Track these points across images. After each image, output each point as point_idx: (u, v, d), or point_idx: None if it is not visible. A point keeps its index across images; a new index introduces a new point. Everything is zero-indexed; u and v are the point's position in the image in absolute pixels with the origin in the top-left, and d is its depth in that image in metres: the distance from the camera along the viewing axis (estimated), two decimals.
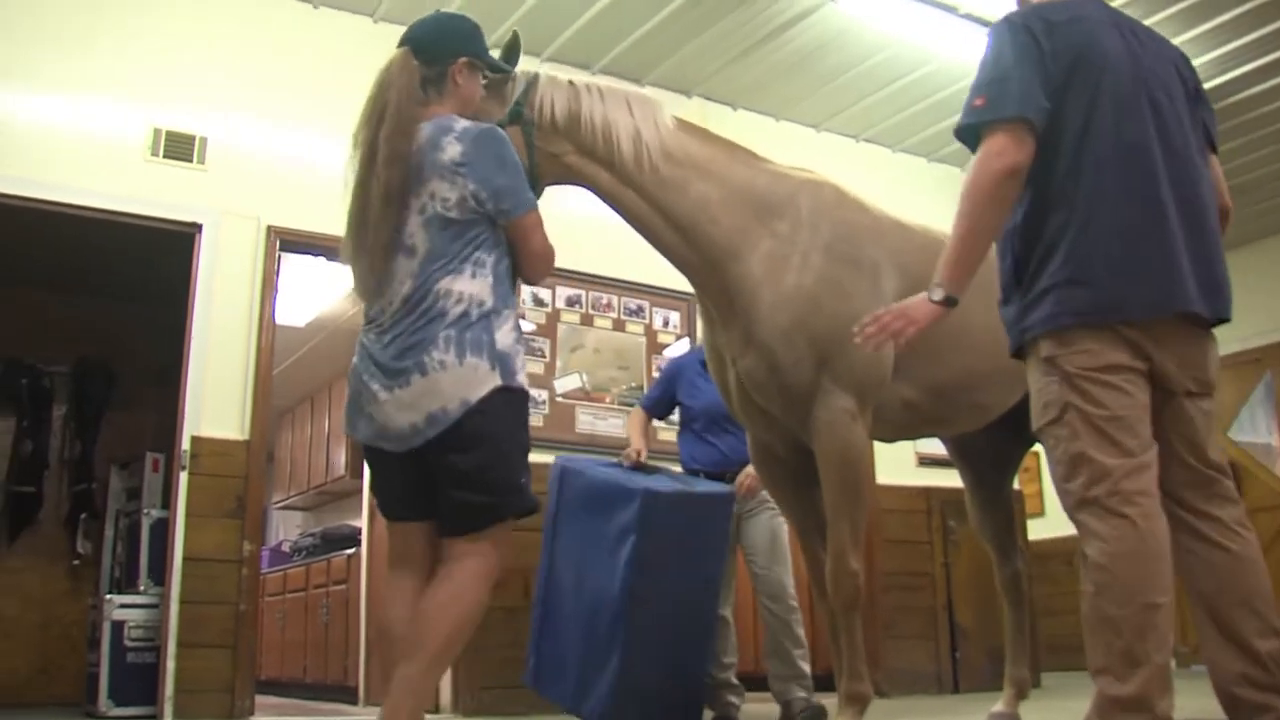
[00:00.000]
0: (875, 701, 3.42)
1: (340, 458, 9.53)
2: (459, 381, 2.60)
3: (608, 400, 6.44)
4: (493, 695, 5.49)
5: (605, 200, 3.45)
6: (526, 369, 2.80)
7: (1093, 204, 2.40)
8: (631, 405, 6.36)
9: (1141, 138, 2.44)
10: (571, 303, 6.48)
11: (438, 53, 2.87)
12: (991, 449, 4.18)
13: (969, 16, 6.18)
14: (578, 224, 4.91)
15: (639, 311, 6.70)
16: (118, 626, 5.49)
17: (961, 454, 4.30)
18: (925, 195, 6.92)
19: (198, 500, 5.22)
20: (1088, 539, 2.29)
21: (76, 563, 7.54)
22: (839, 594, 3.32)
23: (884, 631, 6.72)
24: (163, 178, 5.47)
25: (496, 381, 2.63)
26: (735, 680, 4.75)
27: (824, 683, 4.42)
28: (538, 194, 3.13)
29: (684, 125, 3.53)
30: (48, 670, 7.32)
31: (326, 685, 7.99)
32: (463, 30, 2.98)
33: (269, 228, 5.64)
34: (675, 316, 6.77)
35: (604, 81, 3.54)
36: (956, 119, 2.52)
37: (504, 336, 2.68)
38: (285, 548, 10.45)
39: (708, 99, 7.21)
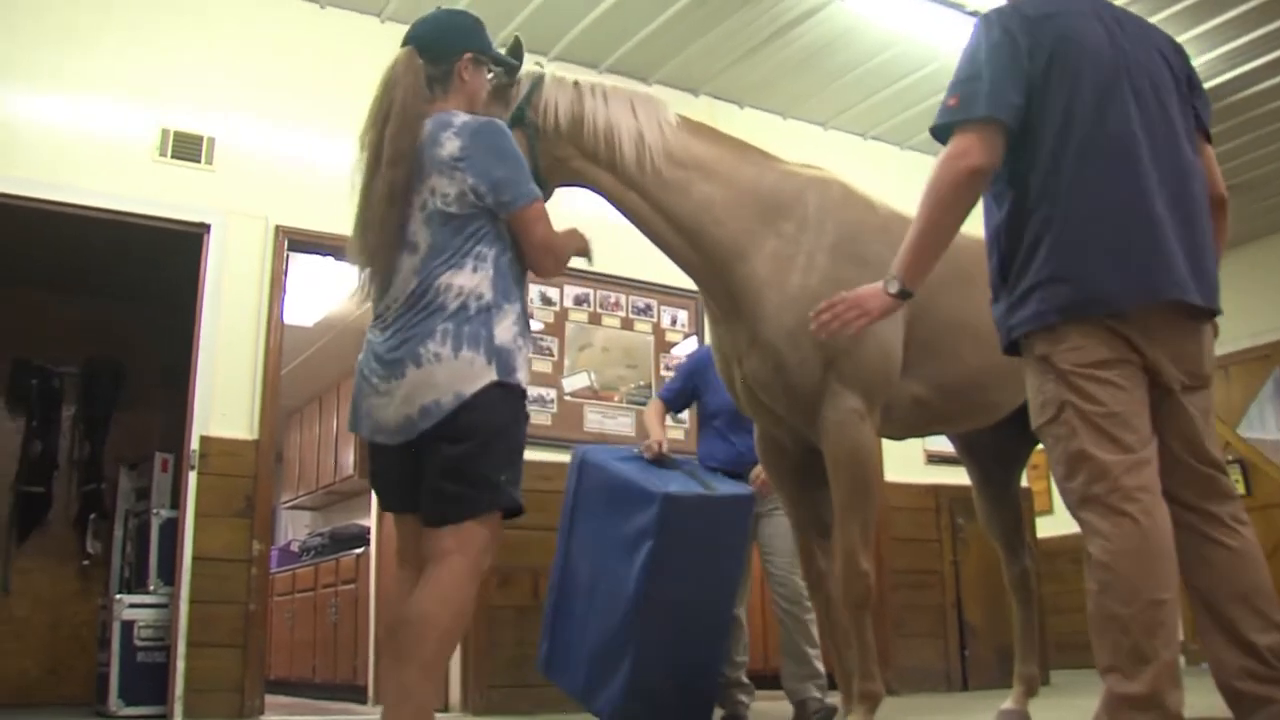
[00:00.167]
0: (885, 699, 3.42)
1: (349, 457, 9.55)
2: (453, 375, 2.58)
3: (616, 399, 6.44)
4: (501, 694, 5.50)
5: (610, 202, 3.44)
6: (530, 366, 2.76)
7: (1075, 197, 2.38)
8: (640, 404, 6.37)
9: (1123, 127, 2.41)
10: (579, 301, 6.48)
11: (442, 50, 2.86)
12: (998, 446, 4.16)
13: (976, 13, 6.16)
14: (585, 223, 4.89)
15: (647, 310, 6.70)
16: (127, 626, 5.50)
17: (968, 451, 4.29)
18: None
19: (207, 500, 5.23)
20: (1090, 537, 2.28)
21: (86, 563, 7.56)
22: (849, 594, 3.29)
23: (893, 630, 6.72)
24: (171, 178, 5.49)
25: (492, 376, 2.60)
26: (746, 679, 4.75)
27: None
28: (547, 196, 3.12)
29: (689, 125, 3.50)
30: (58, 670, 7.34)
31: (336, 685, 8.01)
32: (465, 26, 2.97)
33: (277, 227, 5.66)
34: (683, 315, 6.77)
35: (610, 82, 3.53)
36: None
37: (503, 331, 2.66)
38: (294, 547, 10.48)
39: (715, 97, 7.21)
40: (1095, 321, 2.33)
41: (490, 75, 3.05)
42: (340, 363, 9.32)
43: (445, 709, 5.52)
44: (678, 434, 5.80)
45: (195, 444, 5.28)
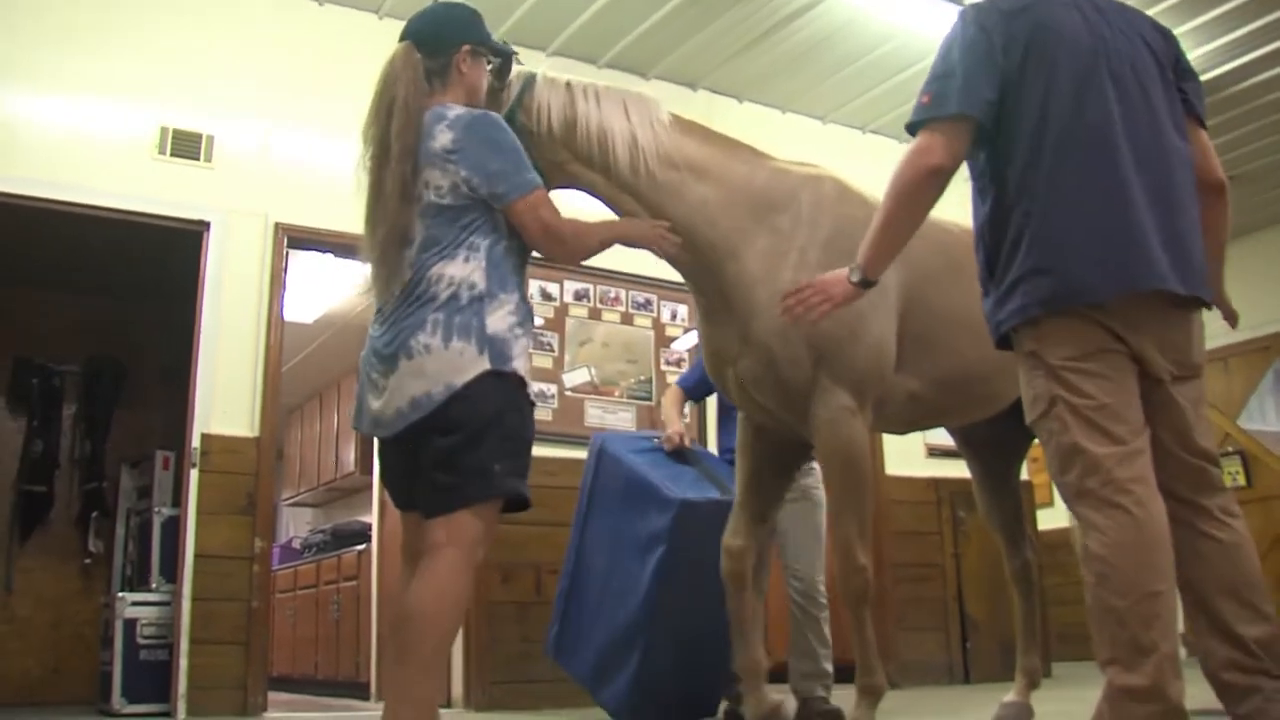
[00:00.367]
0: (887, 693, 3.42)
1: (350, 454, 9.56)
2: (444, 365, 2.57)
3: (616, 394, 6.45)
4: (503, 690, 5.51)
5: (604, 204, 3.43)
6: (529, 357, 2.75)
7: (1053, 189, 2.38)
8: (640, 398, 6.37)
9: (1101, 115, 2.40)
10: (579, 296, 6.49)
11: (440, 43, 2.86)
12: (997, 438, 4.15)
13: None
14: (584, 218, 4.91)
15: (647, 305, 6.71)
16: (130, 624, 5.50)
17: (967, 444, 4.28)
18: None
19: (208, 498, 5.24)
20: (1086, 530, 2.28)
21: (88, 561, 7.55)
22: (848, 589, 3.28)
23: (895, 623, 6.73)
24: (170, 176, 5.49)
25: (485, 366, 2.59)
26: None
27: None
28: None
29: (681, 124, 3.45)
30: (60, 669, 7.33)
31: (338, 681, 8.02)
32: (462, 18, 2.96)
33: (277, 225, 5.66)
34: (683, 310, 6.77)
35: (608, 77, 3.52)
36: None
37: (497, 321, 2.64)
38: (296, 544, 10.49)
39: (713, 92, 7.21)
40: (1077, 313, 2.33)
41: (489, 66, 3.02)
42: (340, 359, 9.33)
43: (448, 705, 5.53)
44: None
45: (196, 441, 5.28)
